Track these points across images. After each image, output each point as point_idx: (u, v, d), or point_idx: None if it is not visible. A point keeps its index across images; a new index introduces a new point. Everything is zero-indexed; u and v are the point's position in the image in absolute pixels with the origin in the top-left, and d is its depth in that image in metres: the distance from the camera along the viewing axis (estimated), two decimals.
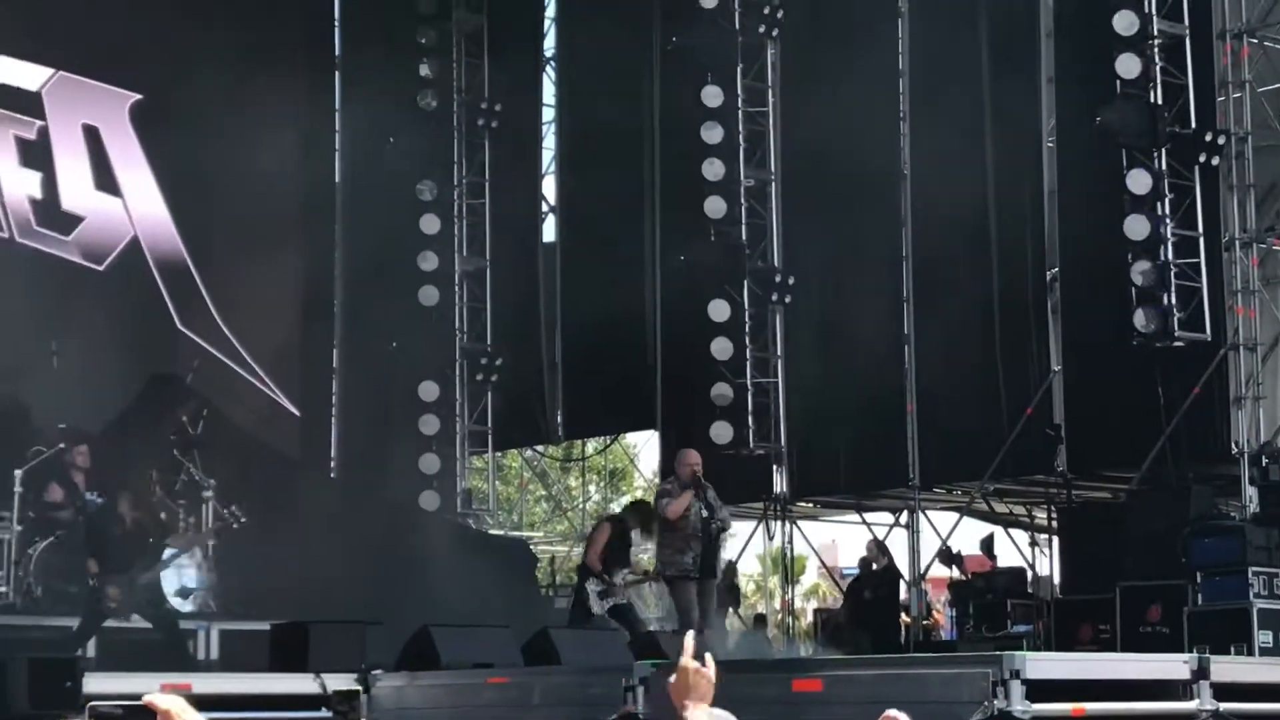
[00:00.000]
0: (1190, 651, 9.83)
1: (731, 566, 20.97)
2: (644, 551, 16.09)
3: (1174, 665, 9.18)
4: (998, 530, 17.80)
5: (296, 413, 19.26)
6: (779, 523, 19.09)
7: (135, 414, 16.07)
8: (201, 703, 9.12)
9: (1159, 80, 14.59)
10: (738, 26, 18.25)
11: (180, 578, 13.96)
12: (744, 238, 18.10)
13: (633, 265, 19.64)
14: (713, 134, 18.15)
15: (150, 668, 10.94)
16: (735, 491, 19.13)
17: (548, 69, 21.49)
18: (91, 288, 18.01)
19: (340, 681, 10.35)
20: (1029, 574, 17.16)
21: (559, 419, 21.07)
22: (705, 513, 13.51)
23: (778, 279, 18.08)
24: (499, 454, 22.55)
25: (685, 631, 12.96)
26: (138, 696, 4.95)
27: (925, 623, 18.34)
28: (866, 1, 17.95)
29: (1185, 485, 14.30)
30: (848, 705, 8.96)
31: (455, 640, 12.18)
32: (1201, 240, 14.60)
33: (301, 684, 10.28)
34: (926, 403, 17.14)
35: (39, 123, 18.35)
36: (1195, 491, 14.10)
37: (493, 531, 21.20)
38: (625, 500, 17.97)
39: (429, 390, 19.59)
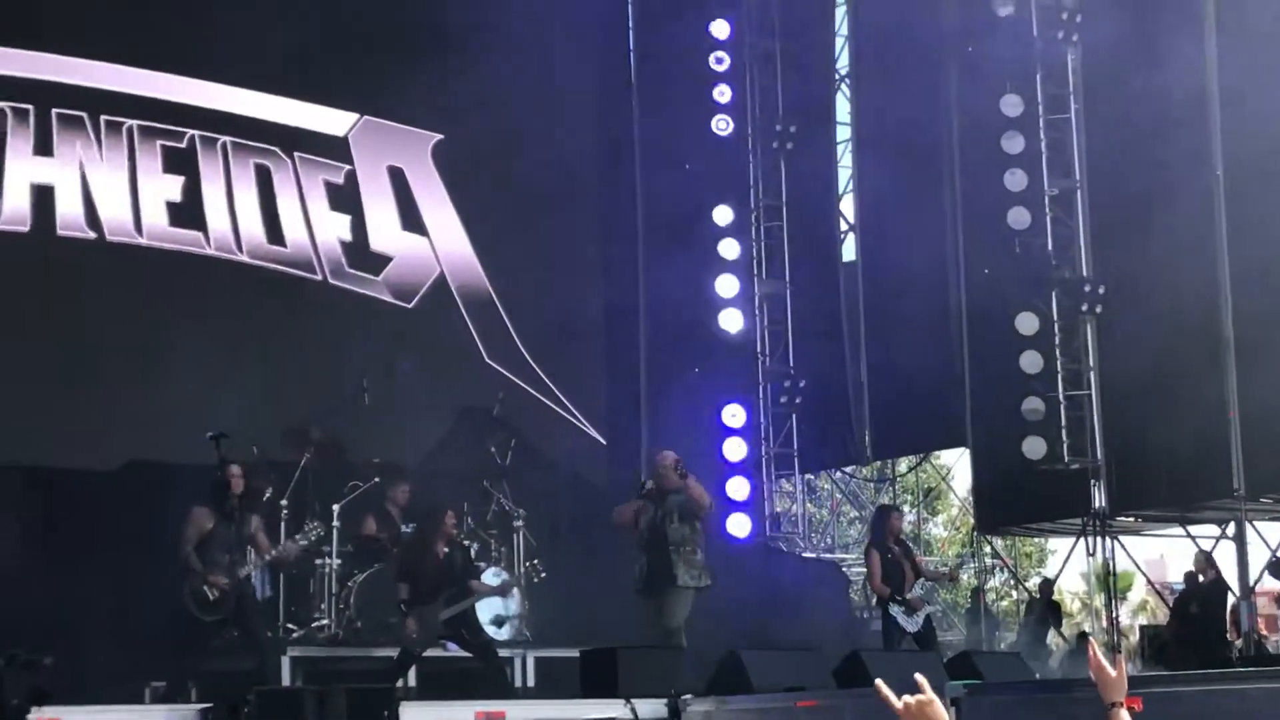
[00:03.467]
0: None
1: (1048, 582, 20.59)
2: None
3: None
4: None
5: (603, 441, 19.40)
6: (1099, 539, 18.67)
7: (446, 447, 16.37)
8: None
9: None
10: (1035, 34, 18.00)
11: (495, 606, 14.20)
12: (1050, 248, 17.82)
13: (936, 280, 19.45)
14: (1013, 143, 17.95)
15: (470, 696, 11.10)
16: (1051, 507, 18.90)
17: (841, 87, 21.42)
18: (401, 325, 18.38)
19: (650, 707, 10.37)
20: None
21: (867, 439, 20.93)
22: (658, 516, 13.04)
23: (1087, 288, 17.74)
24: (809, 476, 22.47)
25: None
26: None
27: (1257, 637, 17.78)
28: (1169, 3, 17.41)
29: None
30: None
31: (765, 664, 12.14)
32: None
33: (612, 709, 10.33)
34: (1250, 409, 16.58)
35: (346, 167, 18.83)
36: None
37: (804, 554, 21.14)
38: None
39: (734, 415, 19.65)
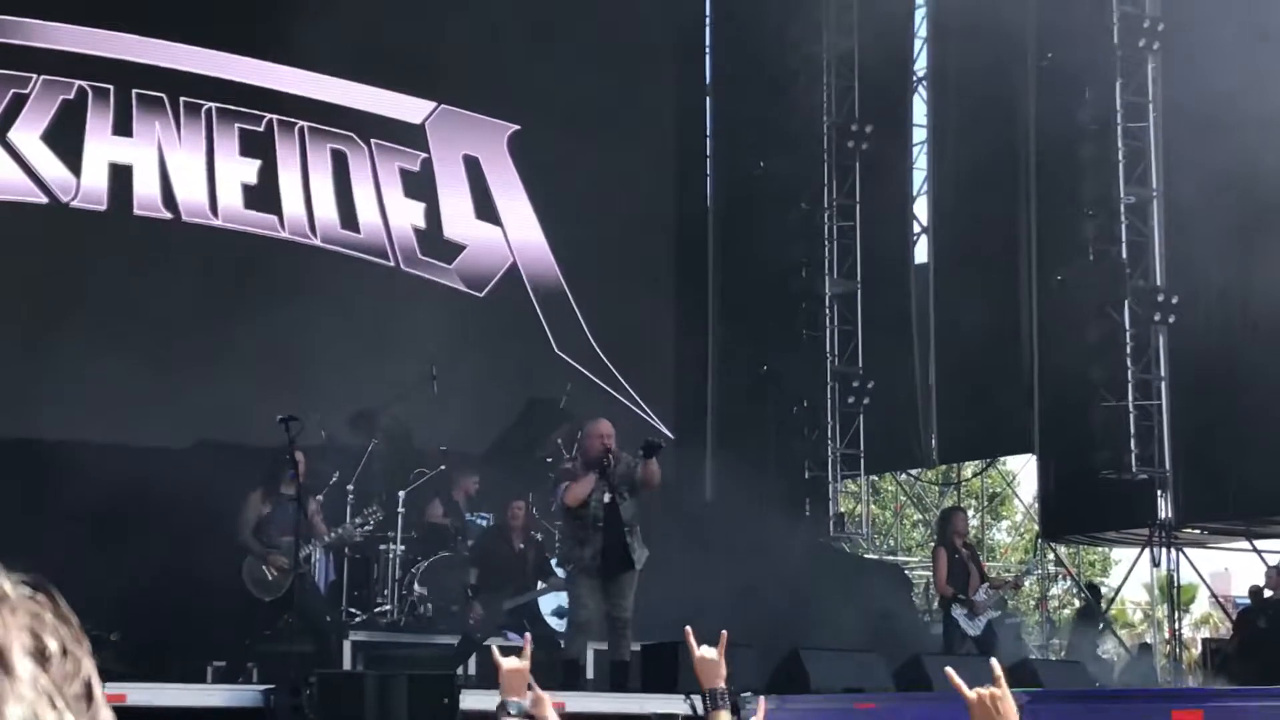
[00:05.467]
0: None
1: (1094, 588, 20.49)
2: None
3: None
4: None
5: (671, 435, 19.39)
6: (1164, 550, 18.54)
7: (513, 437, 16.41)
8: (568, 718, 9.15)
9: None
10: (1116, 40, 17.88)
11: (559, 599, 14.18)
12: (1124, 256, 17.71)
13: (1008, 286, 19.35)
14: (1090, 150, 17.85)
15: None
16: (1117, 517, 18.79)
17: (919, 89, 21.33)
18: (472, 314, 18.45)
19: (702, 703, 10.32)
20: None
21: (933, 442, 20.86)
22: (608, 498, 11.94)
23: (1160, 298, 17.61)
24: (874, 477, 22.41)
25: (581, 632, 12.41)
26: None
27: None
28: (1250, 15, 17.18)
29: None
30: None
31: (825, 664, 12.15)
32: None
33: (670, 704, 10.31)
34: None
35: (422, 155, 18.92)
36: None
37: (867, 555, 21.10)
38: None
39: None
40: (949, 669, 4.74)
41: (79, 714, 0.40)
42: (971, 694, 4.40)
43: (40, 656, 0.42)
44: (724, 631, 5.58)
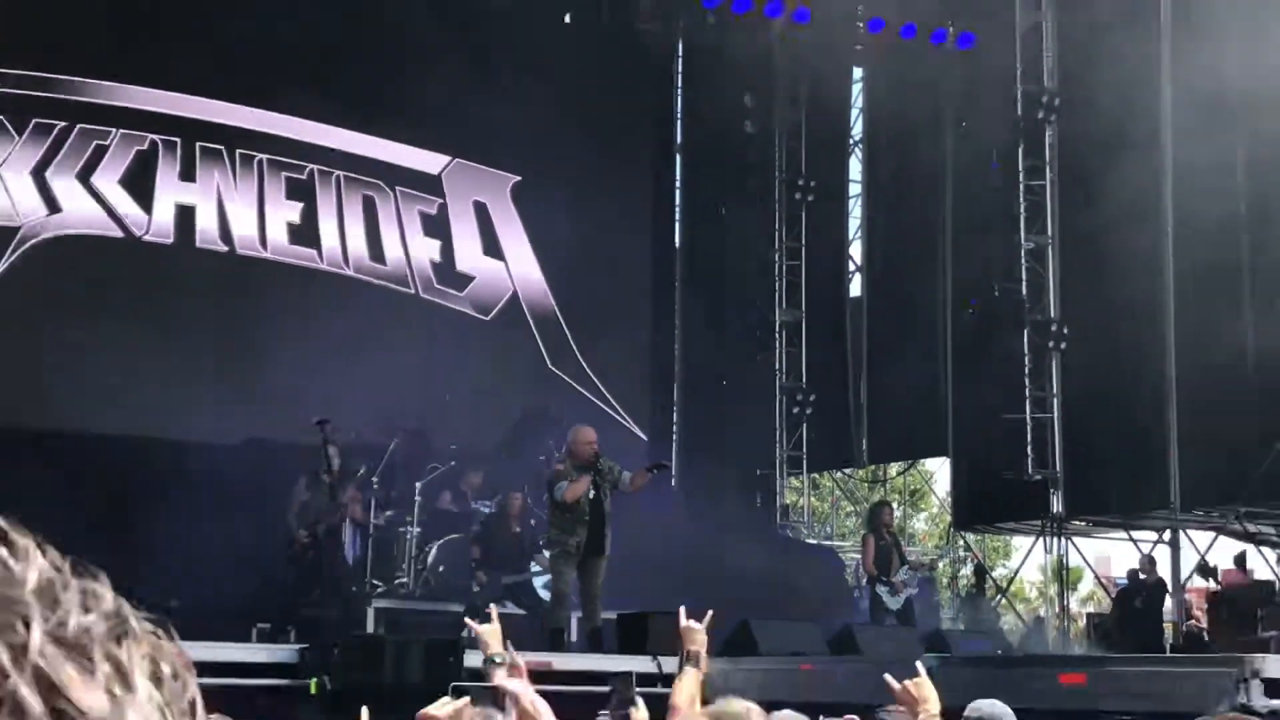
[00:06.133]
0: None
1: (981, 569, 20.52)
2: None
3: None
4: (1250, 548, 17.05)
5: (644, 437, 19.44)
6: (1055, 538, 18.63)
7: (512, 440, 16.42)
8: (560, 676, 9.18)
9: None
10: (1019, 114, 18.01)
11: (548, 577, 14.20)
12: (1024, 293, 17.81)
13: (928, 317, 19.45)
14: (997, 203, 17.97)
15: (521, 648, 11.09)
16: (1016, 510, 18.89)
17: (855, 152, 21.43)
18: (479, 334, 18.47)
19: (673, 663, 10.33)
20: (1277, 586, 16.40)
21: (864, 446, 20.93)
22: (594, 494, 12.12)
23: (1054, 328, 17.72)
24: (814, 475, 22.46)
25: (560, 609, 12.46)
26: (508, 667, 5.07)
27: (1188, 625, 17.67)
28: (1132, 93, 17.24)
29: None
30: (1110, 696, 8.71)
31: (771, 632, 12.19)
32: None
33: (640, 664, 10.34)
34: (1187, 438, 16.51)
35: (439, 200, 18.95)
36: None
37: (807, 540, 21.12)
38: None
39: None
40: (886, 676, 4.89)
41: None
42: (899, 686, 4.56)
43: (155, 679, 0.45)
44: (711, 610, 5.68)
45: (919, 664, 4.74)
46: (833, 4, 19.34)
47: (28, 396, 15.31)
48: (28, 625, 0.43)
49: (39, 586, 0.44)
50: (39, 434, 14.63)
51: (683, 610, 5.61)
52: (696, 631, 5.43)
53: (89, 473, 13.51)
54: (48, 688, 0.43)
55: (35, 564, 0.45)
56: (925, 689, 4.56)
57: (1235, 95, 15.68)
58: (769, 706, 4.98)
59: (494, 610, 5.63)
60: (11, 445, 13.94)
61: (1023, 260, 17.88)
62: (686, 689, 5.34)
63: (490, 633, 5.20)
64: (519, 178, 19.13)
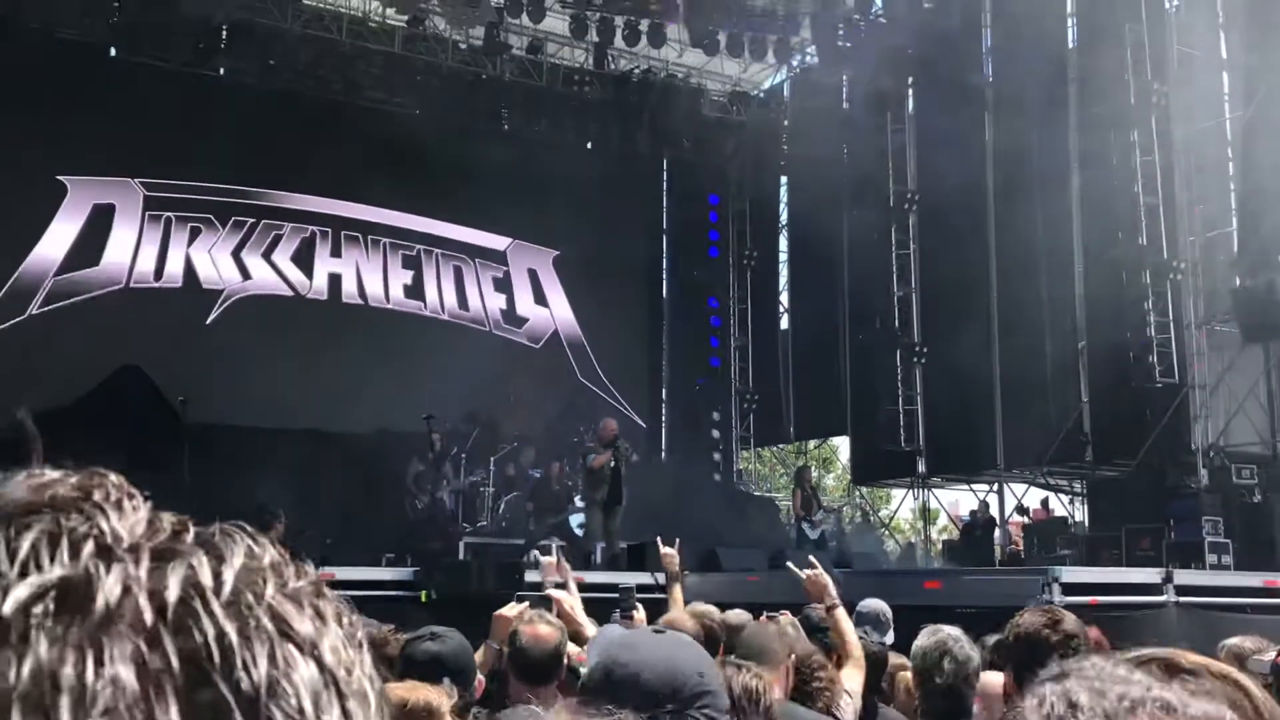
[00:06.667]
0: (1164, 567, 9.35)
1: (866, 513, 20.43)
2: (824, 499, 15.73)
3: (1152, 573, 8.73)
4: (1051, 495, 17.03)
5: (643, 424, 19.45)
6: (921, 490, 18.60)
7: (553, 427, 16.42)
8: (589, 587, 9.19)
9: None
10: (891, 204, 17.99)
11: (579, 518, 14.21)
12: (898, 325, 17.78)
13: (831, 343, 19.25)
14: (879, 265, 17.97)
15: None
16: (893, 472, 18.75)
17: (783, 230, 21.42)
18: (532, 357, 18.49)
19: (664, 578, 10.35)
20: (1070, 520, 16.38)
21: (791, 428, 20.86)
22: (614, 463, 12.34)
23: (918, 348, 17.69)
24: (758, 448, 22.41)
25: (590, 538, 12.54)
26: (557, 585, 5.10)
27: (1010, 548, 17.63)
28: (963, 189, 17.21)
29: (1163, 469, 13.50)
30: (958, 596, 8.72)
31: (730, 556, 12.19)
32: (1171, 324, 13.82)
33: (643, 578, 10.35)
34: (1009, 421, 16.44)
35: (504, 267, 18.97)
36: (1170, 473, 13.33)
37: (755, 494, 21.08)
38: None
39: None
40: (789, 564, 4.86)
41: (358, 650, 0.47)
42: (802, 574, 4.49)
43: (338, 620, 0.49)
44: (678, 539, 5.70)
45: (812, 558, 4.68)
46: (764, 129, 19.40)
47: (232, 399, 15.30)
48: (265, 582, 0.48)
49: (271, 563, 0.49)
50: (237, 427, 14.58)
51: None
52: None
53: (276, 454, 13.50)
54: (275, 618, 0.47)
55: (269, 552, 0.50)
56: (822, 578, 4.46)
57: (1034, 178, 15.76)
58: (727, 607, 5.02)
59: (555, 547, 5.65)
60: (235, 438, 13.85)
61: (895, 305, 17.82)
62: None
63: (549, 563, 5.23)
64: (558, 252, 19.17)
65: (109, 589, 0.45)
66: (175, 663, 0.44)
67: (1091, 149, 14.75)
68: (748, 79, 20.26)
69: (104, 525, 0.47)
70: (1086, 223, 15.27)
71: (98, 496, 0.49)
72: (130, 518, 0.48)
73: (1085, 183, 15.22)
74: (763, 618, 4.31)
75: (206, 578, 0.46)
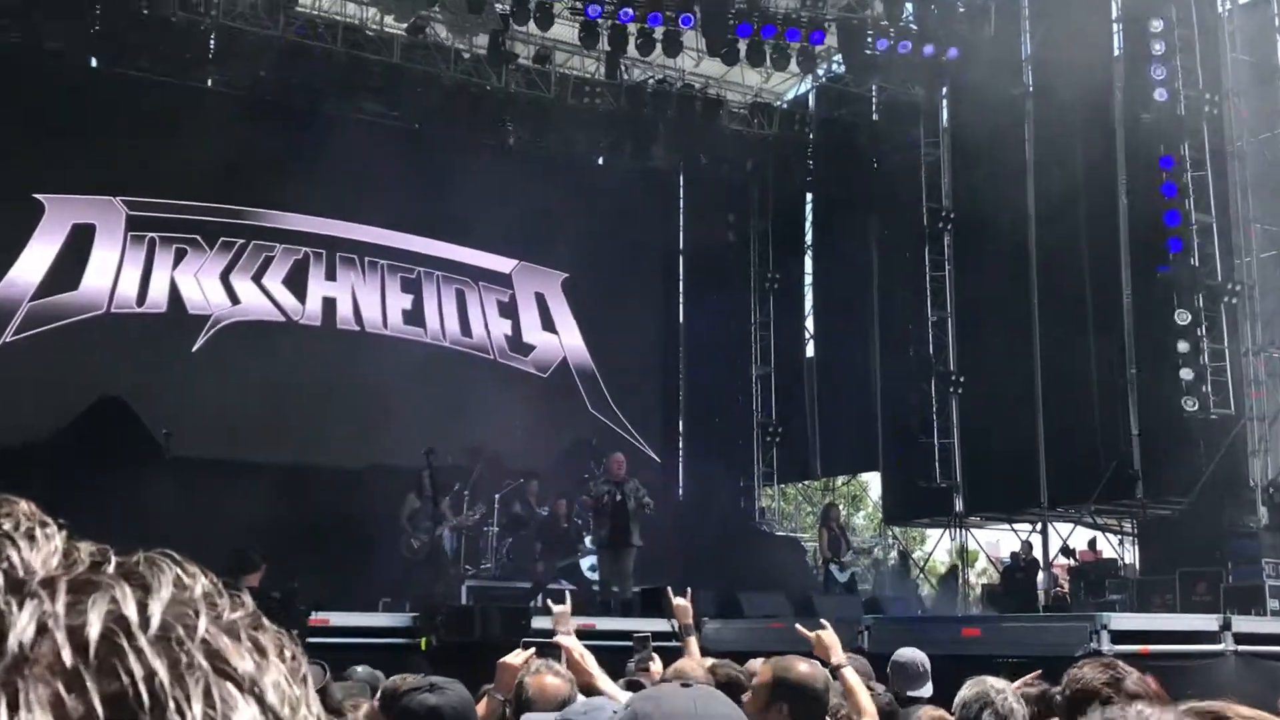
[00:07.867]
0: (1221, 613, 9.26)
1: (904, 552, 20.29)
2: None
3: (1208, 620, 8.64)
4: (1098, 535, 16.92)
5: (657, 459, 19.40)
6: (958, 530, 18.49)
7: (561, 463, 16.38)
8: (601, 634, 9.05)
9: None
10: (925, 222, 18.02)
11: (591, 560, 14.16)
12: (931, 352, 17.76)
13: (862, 373, 19.24)
14: (911, 288, 18.00)
15: (574, 614, 11.01)
16: (930, 510, 18.68)
17: (808, 253, 21.43)
18: (539, 387, 18.47)
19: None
20: (1119, 562, 16.25)
21: (819, 463, 20.79)
22: (619, 498, 12.21)
23: (953, 378, 17.65)
24: (782, 485, 22.33)
25: (600, 582, 12.51)
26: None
27: (1055, 591, 17.49)
28: (1002, 207, 17.21)
29: (1220, 507, 13.39)
30: (995, 644, 8.63)
31: (752, 600, 12.09)
32: (1226, 351, 13.76)
33: (660, 625, 10.24)
34: (1052, 456, 16.41)
35: (510, 291, 19.00)
36: (1227, 511, 13.22)
37: (778, 533, 20.98)
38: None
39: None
40: (798, 625, 4.83)
41: (303, 686, 0.46)
42: (811, 635, 4.46)
43: (280, 655, 0.47)
44: (688, 588, 5.64)
45: (823, 621, 4.64)
46: (788, 143, 19.47)
47: (218, 432, 15.32)
48: (198, 615, 0.46)
49: (203, 593, 0.47)
50: (223, 461, 14.61)
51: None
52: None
53: (264, 490, 13.48)
54: (210, 654, 0.45)
55: (200, 581, 0.48)
56: (831, 638, 4.44)
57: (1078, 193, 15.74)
58: (748, 656, 4.96)
59: (567, 594, 5.61)
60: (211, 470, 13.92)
61: (929, 330, 17.80)
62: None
63: (562, 612, 5.19)
64: (567, 274, 19.20)
65: (22, 628, 0.43)
66: (99, 707, 0.42)
67: (1139, 162, 14.74)
68: (769, 89, 20.32)
69: (14, 558, 0.46)
70: (1134, 241, 15.24)
71: (6, 526, 0.47)
72: (44, 548, 0.47)
73: (1133, 198, 15.20)
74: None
75: (131, 611, 0.45)
